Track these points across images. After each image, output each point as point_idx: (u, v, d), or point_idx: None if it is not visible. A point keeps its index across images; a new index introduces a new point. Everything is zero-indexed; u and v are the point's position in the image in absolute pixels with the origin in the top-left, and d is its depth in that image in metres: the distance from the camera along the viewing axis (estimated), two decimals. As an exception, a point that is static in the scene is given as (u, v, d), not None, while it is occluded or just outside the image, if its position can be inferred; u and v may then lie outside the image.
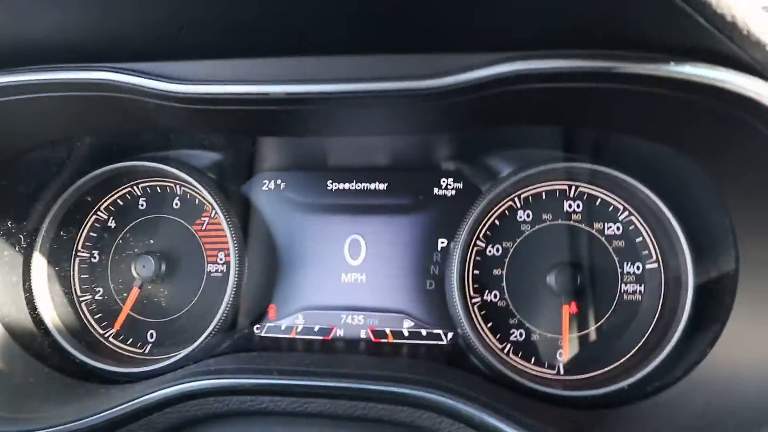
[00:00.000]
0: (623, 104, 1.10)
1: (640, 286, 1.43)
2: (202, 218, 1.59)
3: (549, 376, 1.43)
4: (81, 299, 1.59)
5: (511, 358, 1.45)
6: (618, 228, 1.45)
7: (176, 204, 1.60)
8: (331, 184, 1.60)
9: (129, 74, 1.12)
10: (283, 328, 1.57)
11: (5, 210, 1.42)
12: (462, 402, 1.12)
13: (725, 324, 1.19)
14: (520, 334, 1.46)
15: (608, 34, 1.00)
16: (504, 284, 1.48)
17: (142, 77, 1.11)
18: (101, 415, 1.16)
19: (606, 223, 1.46)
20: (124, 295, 1.59)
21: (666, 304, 1.39)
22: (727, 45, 0.95)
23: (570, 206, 1.48)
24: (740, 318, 1.17)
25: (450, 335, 1.51)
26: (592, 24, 1.00)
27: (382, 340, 1.54)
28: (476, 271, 1.48)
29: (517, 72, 1.01)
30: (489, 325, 1.47)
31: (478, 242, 1.49)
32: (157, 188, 1.61)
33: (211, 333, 1.46)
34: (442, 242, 1.54)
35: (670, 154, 1.26)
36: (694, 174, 1.24)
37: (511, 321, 1.47)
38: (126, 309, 1.56)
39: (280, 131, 1.37)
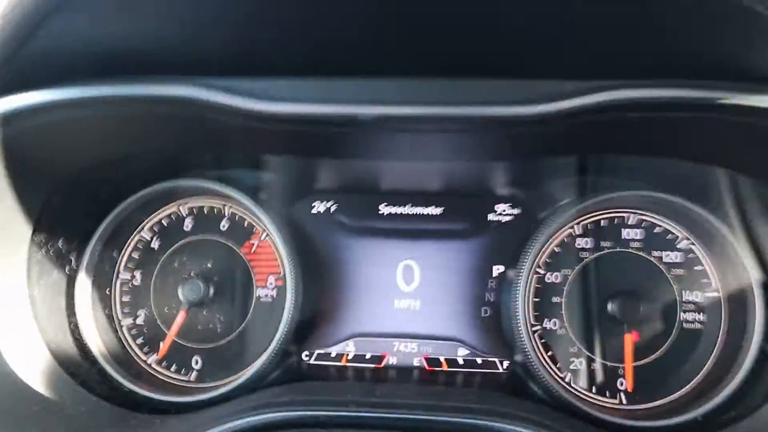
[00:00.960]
0: (710, 132, 1.11)
1: (700, 314, 1.43)
2: (251, 241, 1.54)
3: (612, 406, 1.41)
4: (122, 323, 1.52)
5: (572, 387, 1.43)
6: (677, 256, 1.46)
7: (224, 226, 1.55)
8: (384, 207, 1.57)
9: (219, 92, 1.08)
10: (333, 355, 1.53)
11: (57, 230, 1.35)
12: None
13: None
14: (580, 363, 1.45)
15: (709, 65, 1.01)
16: (563, 312, 1.46)
17: (231, 95, 1.08)
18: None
19: (665, 251, 1.46)
20: (167, 319, 1.52)
21: (729, 332, 1.40)
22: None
23: (629, 234, 1.48)
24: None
25: (506, 363, 1.49)
26: (692, 54, 1.01)
27: (436, 369, 1.51)
28: (536, 299, 1.47)
29: (629, 100, 1.01)
30: (549, 353, 1.45)
31: (538, 269, 1.47)
32: (204, 209, 1.56)
33: (266, 361, 1.41)
34: (498, 269, 1.53)
35: (739, 182, 1.28)
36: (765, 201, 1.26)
37: (571, 349, 1.45)
38: (172, 334, 1.49)
39: (348, 153, 1.35)
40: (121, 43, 1.06)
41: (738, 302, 1.39)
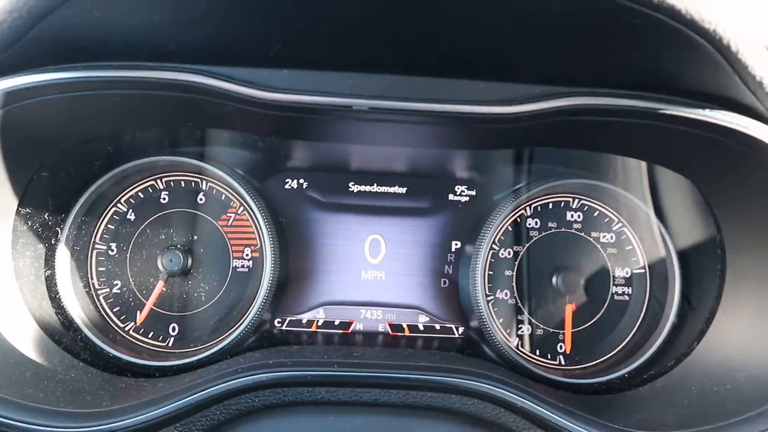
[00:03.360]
0: (651, 135, 1.29)
1: (628, 288, 1.65)
2: (228, 214, 1.61)
3: (553, 366, 1.62)
4: (99, 292, 1.57)
5: (519, 350, 1.62)
6: (611, 237, 1.67)
7: (201, 199, 1.62)
8: (353, 185, 1.68)
9: (221, 79, 1.16)
10: (304, 322, 1.65)
11: (42, 204, 1.38)
12: (509, 391, 1.26)
13: (711, 322, 1.43)
14: (527, 329, 1.64)
15: (656, 80, 1.19)
16: (514, 284, 1.65)
17: (234, 83, 1.16)
18: (169, 407, 1.18)
19: (602, 233, 1.67)
20: (143, 288, 1.59)
21: (650, 304, 1.63)
22: (750, 98, 1.17)
23: (572, 216, 1.67)
24: (725, 318, 1.41)
25: (461, 329, 1.67)
26: (645, 71, 1.18)
27: (399, 334, 1.66)
28: (490, 272, 1.64)
29: (590, 105, 1.17)
30: (500, 320, 1.63)
31: (493, 246, 1.64)
32: (181, 183, 1.62)
33: (245, 327, 1.51)
34: (456, 244, 1.69)
35: (669, 178, 1.49)
36: (690, 195, 1.47)
37: (520, 317, 1.64)
38: (150, 303, 1.56)
39: (328, 137, 1.44)
40: (130, 32, 1.10)
41: (659, 278, 1.62)
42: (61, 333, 1.44)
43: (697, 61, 1.11)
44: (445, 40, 1.16)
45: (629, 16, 1.01)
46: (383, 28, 1.14)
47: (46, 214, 1.42)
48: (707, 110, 1.17)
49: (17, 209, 1.34)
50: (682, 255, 1.57)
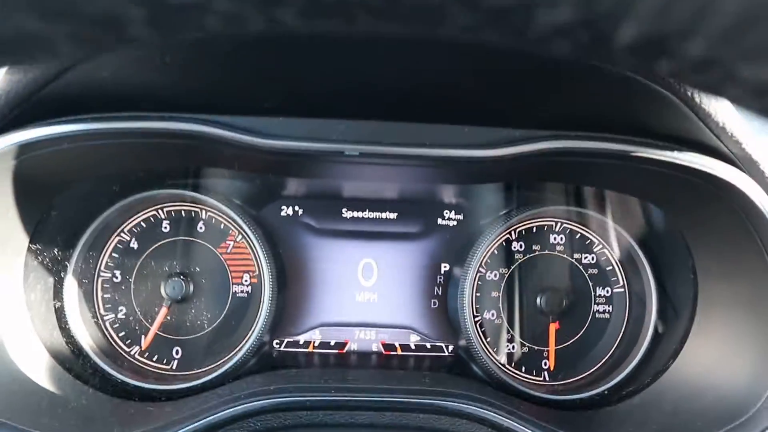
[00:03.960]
0: (626, 173, 1.38)
1: (609, 306, 1.75)
2: (227, 242, 1.69)
3: (537, 382, 1.71)
4: (105, 318, 1.65)
5: (506, 367, 1.71)
6: (592, 258, 1.75)
7: (201, 228, 1.70)
8: (346, 212, 1.76)
9: (221, 128, 1.23)
10: (301, 342, 1.73)
11: (52, 239, 1.46)
12: (494, 411, 1.35)
13: (685, 342, 1.53)
14: (513, 347, 1.73)
15: (628, 124, 1.28)
16: (500, 305, 1.73)
17: (234, 131, 1.24)
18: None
19: (583, 254, 1.75)
20: (148, 314, 1.67)
21: (629, 322, 1.72)
22: (715, 141, 1.26)
23: (555, 239, 1.75)
24: (698, 339, 1.50)
25: (451, 348, 1.76)
26: (618, 117, 1.27)
27: (392, 353, 1.75)
28: (477, 294, 1.73)
29: (566, 148, 1.26)
30: (487, 339, 1.72)
31: (480, 269, 1.72)
32: (182, 212, 1.69)
33: (246, 351, 1.59)
34: (445, 266, 1.77)
35: (646, 206, 1.58)
36: (665, 224, 1.56)
37: (506, 336, 1.73)
38: (155, 328, 1.64)
39: (320, 176, 1.53)
40: (135, 86, 1.18)
41: (638, 297, 1.71)
42: (72, 361, 1.52)
43: (664, 110, 1.19)
44: (429, 90, 1.24)
45: (599, 71, 1.10)
46: (370, 81, 1.23)
47: (55, 249, 1.50)
48: (676, 152, 1.26)
49: (28, 246, 1.42)
50: (658, 277, 1.66)
